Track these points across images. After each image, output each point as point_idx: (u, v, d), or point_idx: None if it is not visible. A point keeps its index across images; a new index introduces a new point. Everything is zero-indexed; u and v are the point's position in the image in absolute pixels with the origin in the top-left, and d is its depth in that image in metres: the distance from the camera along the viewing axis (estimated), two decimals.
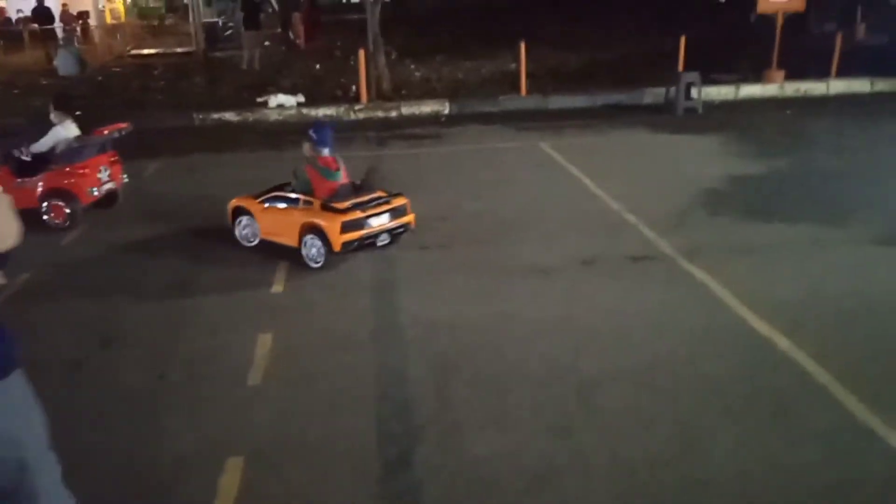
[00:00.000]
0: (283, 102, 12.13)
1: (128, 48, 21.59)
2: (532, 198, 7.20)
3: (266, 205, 5.56)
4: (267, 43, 18.76)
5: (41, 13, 20.51)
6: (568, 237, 5.96)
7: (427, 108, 12.26)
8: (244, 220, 5.69)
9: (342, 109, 12.14)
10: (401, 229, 5.47)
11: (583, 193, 7.27)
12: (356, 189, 5.50)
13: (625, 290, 4.90)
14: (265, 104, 12.14)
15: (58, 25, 20.22)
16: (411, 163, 8.99)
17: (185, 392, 3.78)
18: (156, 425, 3.49)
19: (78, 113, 6.89)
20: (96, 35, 21.98)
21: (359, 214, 5.15)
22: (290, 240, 5.39)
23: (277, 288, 5.13)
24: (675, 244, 5.66)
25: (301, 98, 12.39)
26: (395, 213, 5.39)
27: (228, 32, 21.08)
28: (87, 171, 6.35)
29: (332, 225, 5.08)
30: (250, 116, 11.94)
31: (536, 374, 3.84)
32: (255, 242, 5.72)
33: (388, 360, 4.05)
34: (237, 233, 5.76)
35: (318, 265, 5.29)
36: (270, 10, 22.04)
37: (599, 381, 3.75)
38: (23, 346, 2.09)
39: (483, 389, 3.71)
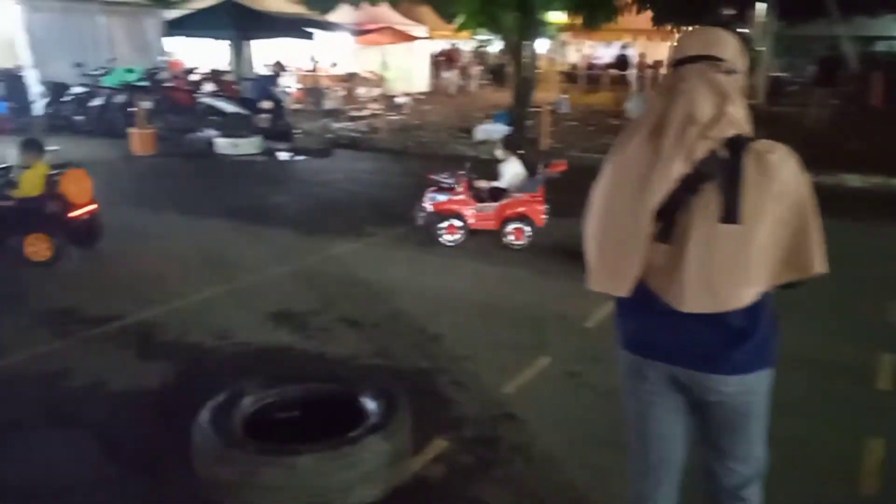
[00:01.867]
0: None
1: None
2: None
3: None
4: (836, 101, 17.56)
5: (620, 60, 22.89)
6: None
7: None
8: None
9: None
10: None
11: None
12: None
13: None
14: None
15: (631, 72, 22.32)
16: None
17: None
18: None
19: (521, 152, 7.77)
20: None
21: None
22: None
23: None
24: None
25: None
26: None
27: (793, 87, 20.43)
28: (539, 199, 7.32)
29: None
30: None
31: None
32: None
33: None
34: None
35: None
36: (851, 67, 20.53)
37: None
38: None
39: None
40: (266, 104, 13.99)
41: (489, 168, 7.94)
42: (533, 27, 14.38)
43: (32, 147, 6.53)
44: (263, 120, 13.87)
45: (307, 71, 20.21)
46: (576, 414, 4.01)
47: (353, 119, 17.67)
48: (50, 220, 6.34)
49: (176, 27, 16.74)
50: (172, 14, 17.11)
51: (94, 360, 4.54)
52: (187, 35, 17.37)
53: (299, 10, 22.09)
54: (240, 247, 7.11)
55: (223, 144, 12.56)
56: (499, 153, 7.71)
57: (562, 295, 5.87)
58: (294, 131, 14.18)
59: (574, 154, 12.97)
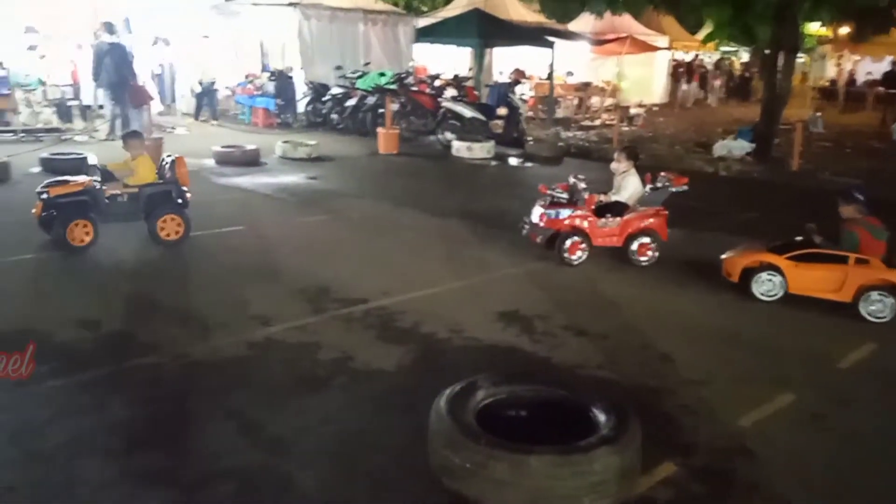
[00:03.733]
0: None
1: None
2: None
3: (796, 262, 5.81)
4: None
5: (890, 76, 20.49)
6: None
7: None
8: (764, 275, 5.89)
9: None
10: None
11: None
12: None
13: None
14: None
15: None
16: None
17: None
18: None
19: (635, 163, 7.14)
20: None
21: None
22: (840, 296, 5.67)
23: None
24: None
25: None
26: None
27: None
28: (665, 213, 6.81)
29: None
30: None
31: None
32: (778, 297, 5.87)
33: None
34: (755, 289, 5.93)
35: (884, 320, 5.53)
36: None
37: None
38: None
39: None
40: (503, 111, 14.37)
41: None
42: (790, 39, 13.34)
43: (138, 138, 7.29)
44: (499, 126, 14.27)
45: (542, 79, 20.44)
46: (819, 459, 3.67)
47: (584, 129, 17.60)
48: (178, 202, 7.02)
49: (426, 34, 17.78)
50: (423, 22, 18.17)
51: (341, 337, 4.97)
52: (435, 42, 18.36)
53: (540, 18, 22.41)
54: (472, 246, 7.38)
55: (459, 147, 13.11)
56: (619, 165, 7.08)
57: (810, 329, 5.40)
58: (526, 138, 14.43)
59: (825, 177, 11.88)
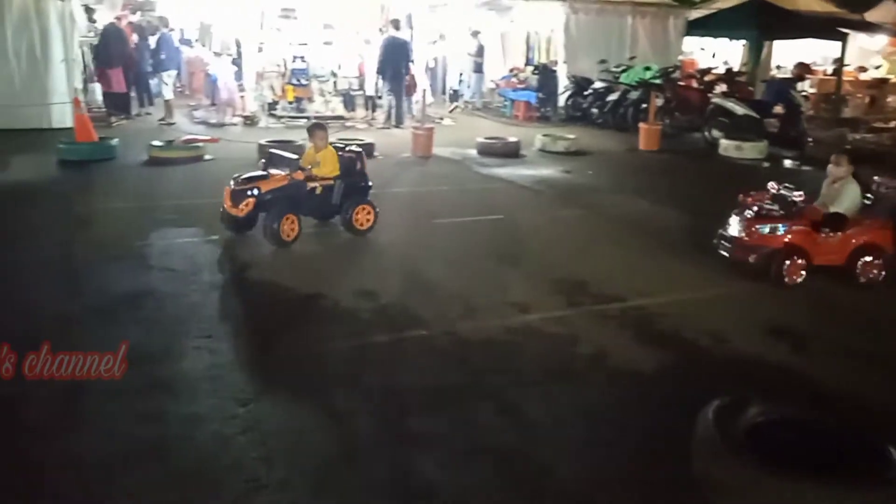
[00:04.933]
0: None
1: None
2: None
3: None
4: None
5: None
6: None
7: None
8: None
9: None
10: None
11: None
12: None
13: None
14: None
15: None
16: None
17: None
18: None
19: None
20: None
21: None
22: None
23: None
24: None
25: None
26: None
27: None
28: (890, 225, 6.07)
29: None
30: None
31: None
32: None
33: None
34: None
35: None
36: None
37: None
38: None
39: None
40: (779, 109, 13.26)
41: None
42: None
43: (322, 129, 7.02)
44: (774, 124, 13.19)
45: (828, 74, 18.49)
46: None
47: (875, 131, 15.62)
48: (368, 192, 7.06)
49: (697, 26, 16.93)
50: (695, 14, 17.31)
51: (597, 333, 4.95)
52: (707, 35, 17.42)
53: (830, 7, 20.24)
54: None
55: (727, 146, 12.34)
56: (838, 170, 6.15)
57: None
58: (807, 139, 13.18)
59: None
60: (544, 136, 12.50)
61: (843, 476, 2.82)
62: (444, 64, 17.61)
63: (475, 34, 17.36)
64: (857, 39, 18.17)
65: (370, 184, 7.15)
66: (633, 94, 14.59)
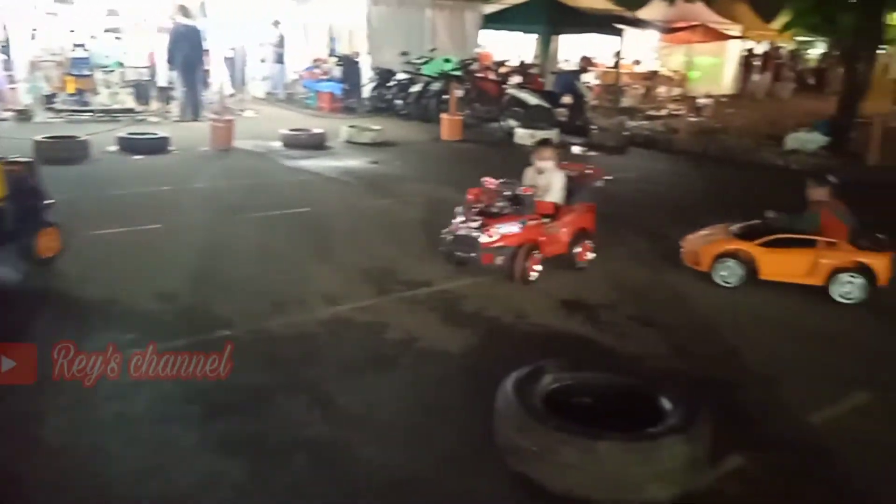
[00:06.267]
0: None
1: None
2: None
3: (767, 248, 5.81)
4: None
5: None
6: None
7: None
8: (731, 262, 5.89)
9: None
10: None
11: None
12: None
13: None
14: None
15: None
16: None
17: None
18: None
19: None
20: None
21: None
22: (811, 280, 5.73)
23: None
24: None
25: None
26: None
27: None
28: (594, 208, 6.31)
29: (880, 262, 5.63)
30: None
31: None
32: (735, 284, 5.88)
33: None
34: (717, 276, 5.94)
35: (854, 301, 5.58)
36: None
37: None
38: None
39: None
40: (567, 99, 14.23)
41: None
42: (873, 29, 12.81)
43: None
44: (563, 114, 14.13)
45: (609, 67, 20.14)
46: (893, 465, 3.57)
47: (650, 118, 17.27)
48: (48, 212, 5.76)
49: (492, 20, 17.69)
50: (490, 9, 18.08)
51: (407, 318, 5.04)
52: (501, 28, 18.26)
53: (609, 5, 22.03)
54: None
55: (522, 135, 13.04)
56: (546, 162, 6.16)
57: (888, 328, 5.25)
58: (591, 127, 14.26)
59: None
60: (350, 127, 12.48)
61: (628, 429, 3.10)
62: (242, 54, 16.98)
63: (276, 24, 16.93)
64: (632, 35, 19.90)
65: (51, 201, 5.82)
66: (435, 86, 14.97)
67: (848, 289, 5.64)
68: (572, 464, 2.98)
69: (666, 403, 3.30)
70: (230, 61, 16.83)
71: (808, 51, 26.30)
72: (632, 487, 2.98)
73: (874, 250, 5.74)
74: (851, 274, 5.63)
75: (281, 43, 16.93)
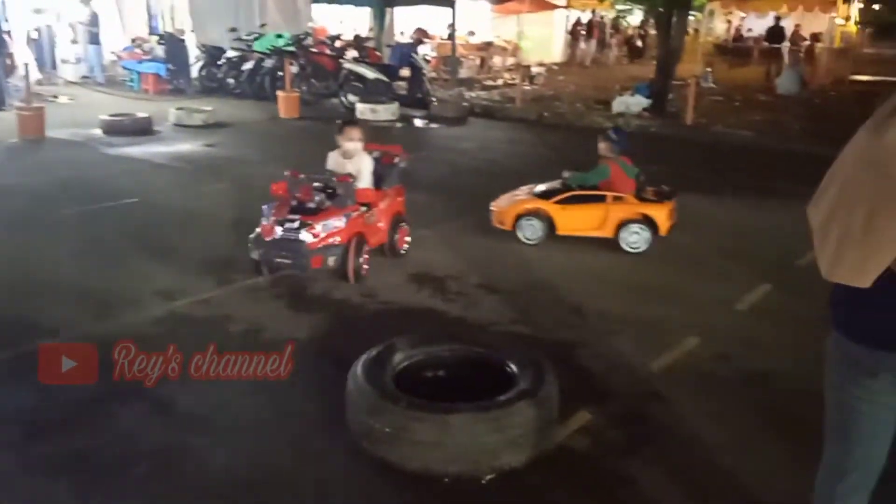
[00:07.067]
0: None
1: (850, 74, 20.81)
2: None
3: (561, 205, 6.17)
4: None
5: (773, 32, 21.45)
6: None
7: None
8: (533, 220, 6.18)
9: None
10: None
11: None
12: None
13: None
14: None
15: (785, 45, 20.86)
16: None
17: None
18: None
19: None
20: (823, 58, 21.86)
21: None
22: (603, 232, 6.10)
23: None
24: None
25: None
26: None
27: None
28: (402, 190, 6.02)
29: (660, 213, 6.05)
30: None
31: None
32: (537, 241, 6.18)
33: None
34: (521, 234, 6.23)
35: (640, 250, 6.03)
36: None
37: None
38: None
39: None
40: (405, 72, 14.19)
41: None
42: None
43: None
44: (402, 87, 14.09)
45: (444, 39, 20.30)
46: (727, 398, 3.86)
47: (487, 88, 17.64)
48: None
49: None
50: None
51: (250, 308, 4.82)
52: (332, 1, 17.85)
53: None
54: None
55: (363, 110, 12.88)
56: (354, 144, 5.49)
57: (708, 274, 5.66)
58: (430, 99, 14.33)
59: (718, 130, 12.44)
60: (179, 109, 11.78)
61: (478, 399, 3.12)
62: (50, 34, 15.50)
63: (86, 1, 15.57)
64: (465, 6, 20.14)
65: None
66: (268, 63, 14.44)
67: (634, 239, 6.06)
68: (426, 440, 2.96)
69: (514, 369, 3.36)
70: (36, 43, 15.35)
71: (628, 18, 27.85)
72: (486, 456, 3.01)
73: (655, 202, 6.16)
74: (638, 225, 6.03)
75: (94, 21, 15.62)
